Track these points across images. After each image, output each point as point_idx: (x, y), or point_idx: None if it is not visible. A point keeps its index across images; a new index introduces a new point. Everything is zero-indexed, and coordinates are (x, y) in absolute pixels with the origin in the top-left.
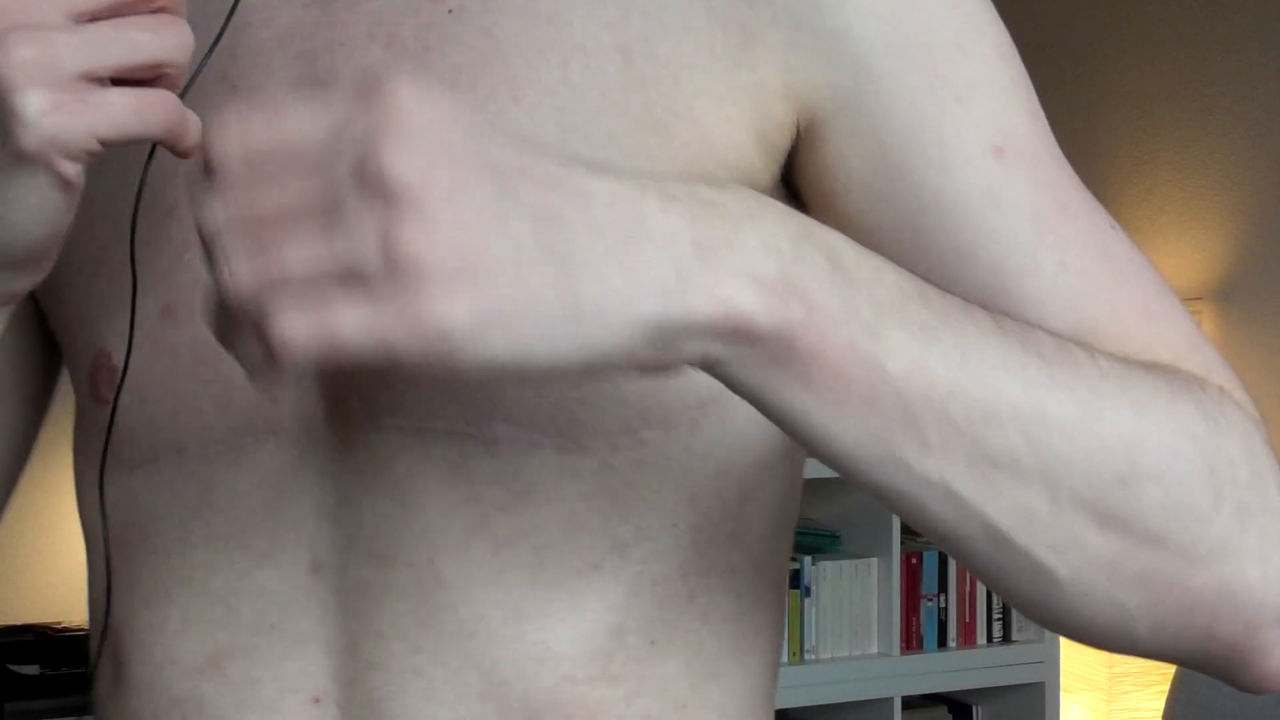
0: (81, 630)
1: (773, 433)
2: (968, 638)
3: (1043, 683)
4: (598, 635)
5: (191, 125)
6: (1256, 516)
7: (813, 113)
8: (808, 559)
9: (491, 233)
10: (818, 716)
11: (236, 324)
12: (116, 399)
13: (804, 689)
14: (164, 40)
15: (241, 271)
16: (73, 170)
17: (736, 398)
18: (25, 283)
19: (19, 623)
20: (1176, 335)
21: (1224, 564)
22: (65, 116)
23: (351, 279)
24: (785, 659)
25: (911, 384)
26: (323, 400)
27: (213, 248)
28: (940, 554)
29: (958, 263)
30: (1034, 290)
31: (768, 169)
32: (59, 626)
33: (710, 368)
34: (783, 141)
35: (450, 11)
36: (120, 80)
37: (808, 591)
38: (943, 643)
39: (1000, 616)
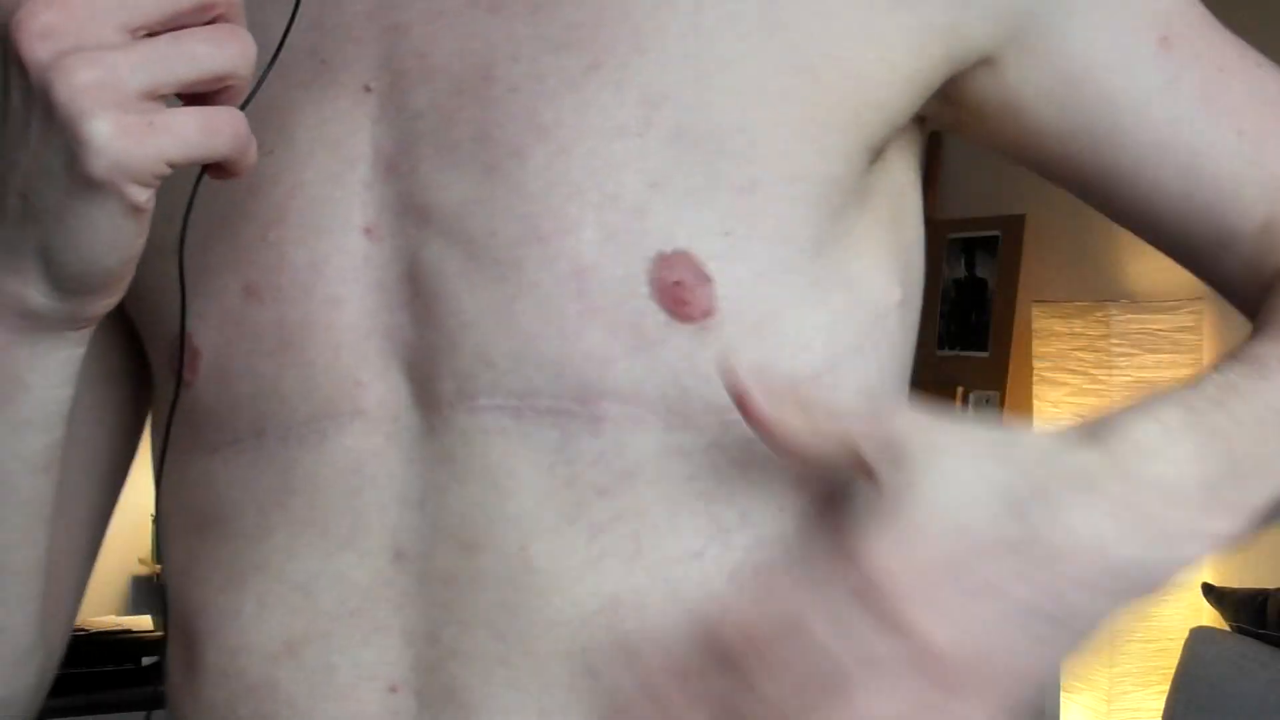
0: (82, 630)
1: (895, 392)
2: None
3: (1043, 683)
4: (697, 626)
5: (252, 144)
6: None
7: (986, 43)
8: None
9: (999, 648)
10: None
11: None
12: (178, 382)
13: None
14: (225, 52)
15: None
16: (143, 196)
17: (844, 370)
18: (100, 306)
19: None
20: None
21: None
22: (133, 141)
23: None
24: None
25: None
26: (410, 383)
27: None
28: None
29: (1157, 154)
30: (1226, 163)
31: (913, 105)
32: None
33: None
34: (938, 78)
35: None
36: (183, 96)
37: None
38: None
39: None
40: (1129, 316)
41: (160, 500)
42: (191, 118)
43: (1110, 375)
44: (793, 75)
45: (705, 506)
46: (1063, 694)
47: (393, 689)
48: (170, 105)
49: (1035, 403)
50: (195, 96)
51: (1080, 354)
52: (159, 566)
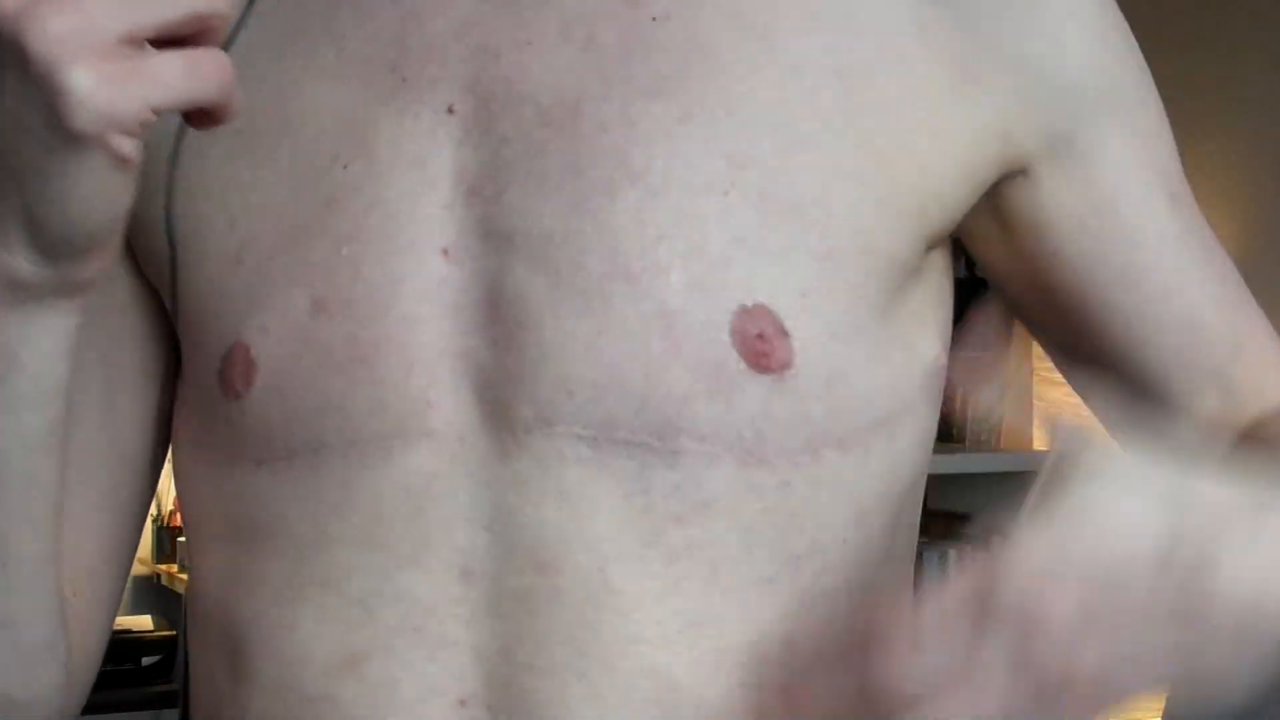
0: None
1: (924, 453)
2: None
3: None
4: (772, 644)
5: (237, 89)
6: None
7: (1029, 154)
8: None
9: (1122, 677)
10: None
11: None
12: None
13: None
14: None
15: None
16: (128, 147)
17: (901, 423)
18: (90, 270)
19: None
20: None
21: None
22: (116, 90)
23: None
24: None
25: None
26: (481, 405)
27: None
28: (940, 554)
29: (1164, 300)
30: (1215, 320)
31: (969, 202)
32: None
33: None
34: (990, 178)
35: (654, 19)
36: (157, 42)
37: None
38: None
39: None
40: None
41: (188, 508)
42: (175, 61)
43: None
44: (867, 159)
45: (777, 536)
46: None
47: (462, 702)
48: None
49: (1035, 403)
50: (173, 40)
51: None
52: (159, 566)
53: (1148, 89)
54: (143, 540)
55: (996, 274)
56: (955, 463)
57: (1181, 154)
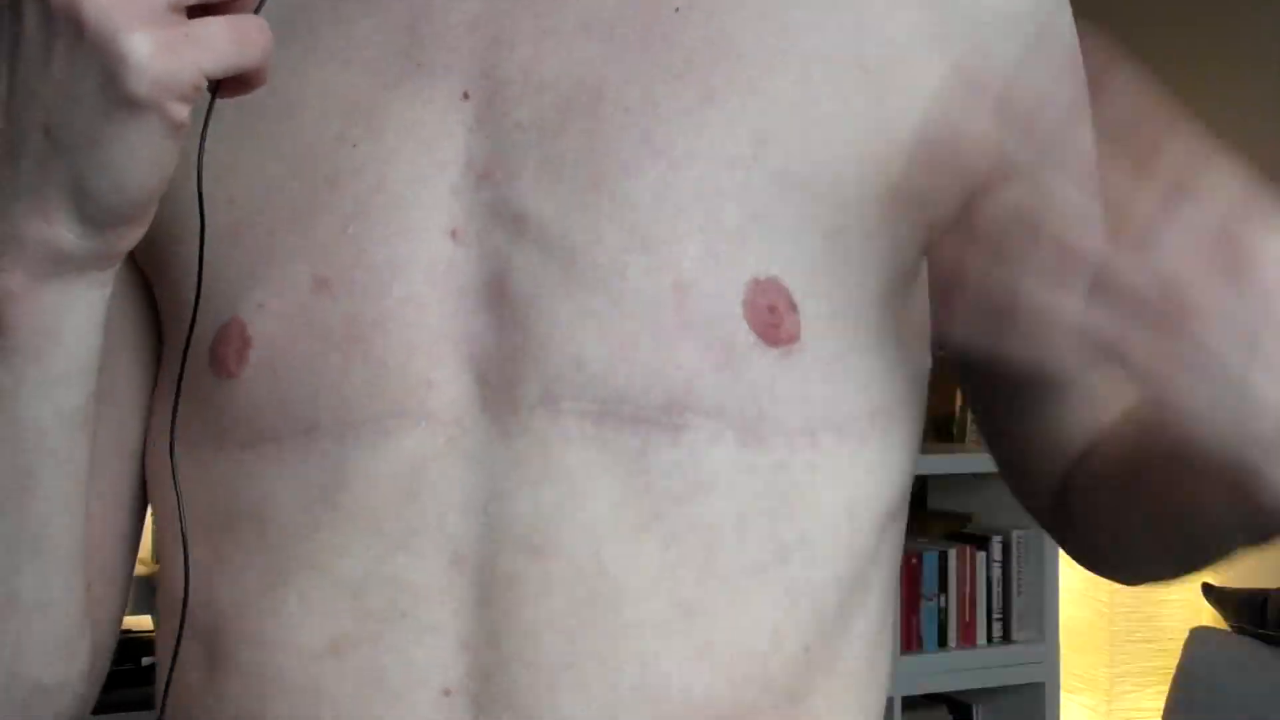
0: None
1: (912, 457)
2: (967, 638)
3: (1043, 683)
4: (759, 636)
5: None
6: None
7: (990, 177)
8: None
9: None
10: None
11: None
12: (181, 368)
13: None
14: None
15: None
16: (184, 113)
17: (895, 415)
18: (132, 239)
19: None
20: None
21: None
22: (173, 55)
23: None
24: None
25: None
26: (480, 386)
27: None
28: (940, 554)
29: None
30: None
31: (960, 204)
32: None
33: None
34: (977, 185)
35: (677, 10)
36: (196, 9)
37: None
38: (943, 643)
39: (1000, 616)
40: None
41: (164, 497)
42: (223, 27)
43: None
44: (886, 144)
45: (769, 524)
46: (1063, 694)
47: (446, 692)
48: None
49: None
50: (208, 8)
51: None
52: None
53: (1091, 175)
54: (143, 540)
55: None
56: (955, 463)
57: None
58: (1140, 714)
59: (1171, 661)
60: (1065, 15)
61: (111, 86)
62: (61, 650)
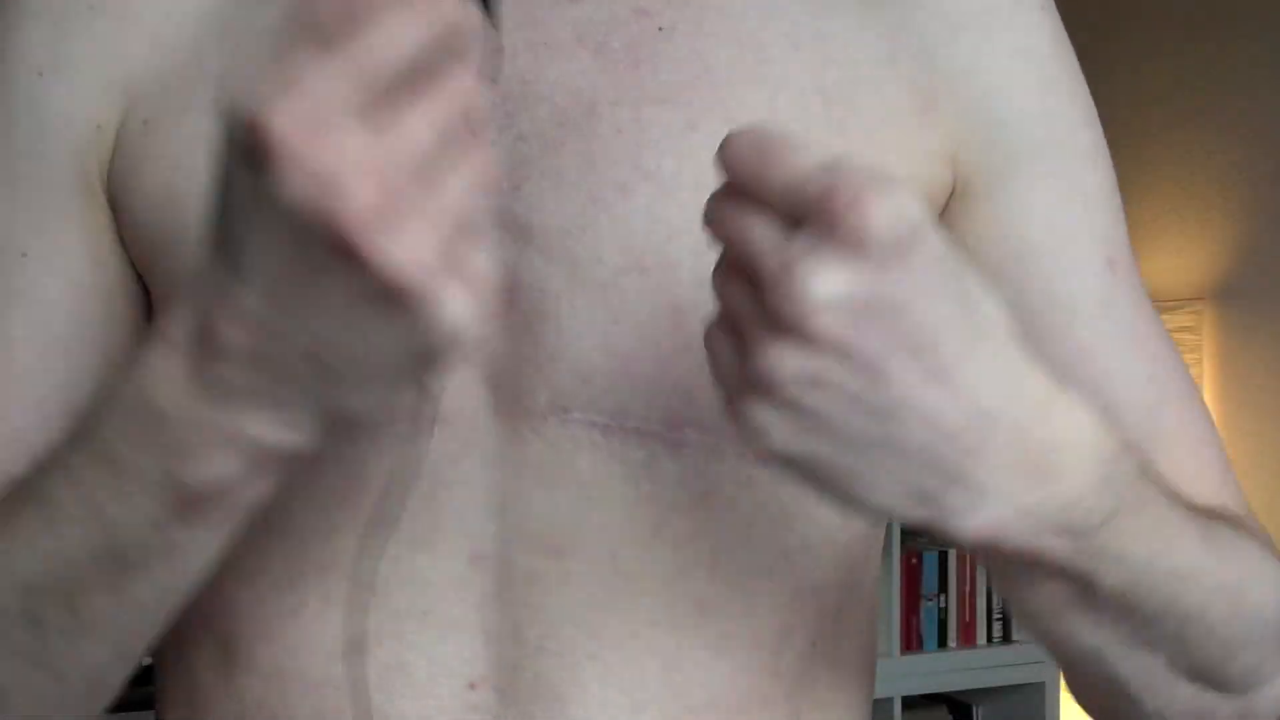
0: None
1: None
2: (968, 638)
3: (1043, 683)
4: (770, 632)
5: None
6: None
7: (965, 186)
8: None
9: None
10: None
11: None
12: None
13: None
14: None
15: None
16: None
17: None
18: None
19: None
20: (1219, 463)
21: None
22: (477, 307)
23: None
24: None
25: (1129, 596)
26: (492, 392)
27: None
28: (940, 554)
29: (1079, 362)
30: (1130, 398)
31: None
32: None
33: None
34: (941, 202)
35: (660, 30)
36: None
37: None
38: (943, 643)
39: (1000, 616)
40: None
41: None
42: (484, 257)
43: None
44: None
45: (771, 531)
46: (1063, 694)
47: (472, 685)
48: None
49: None
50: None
51: None
52: None
53: (1095, 148)
54: None
55: None
56: None
57: (1181, 155)
58: None
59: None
60: (1027, 12)
61: (421, 345)
62: (93, 703)
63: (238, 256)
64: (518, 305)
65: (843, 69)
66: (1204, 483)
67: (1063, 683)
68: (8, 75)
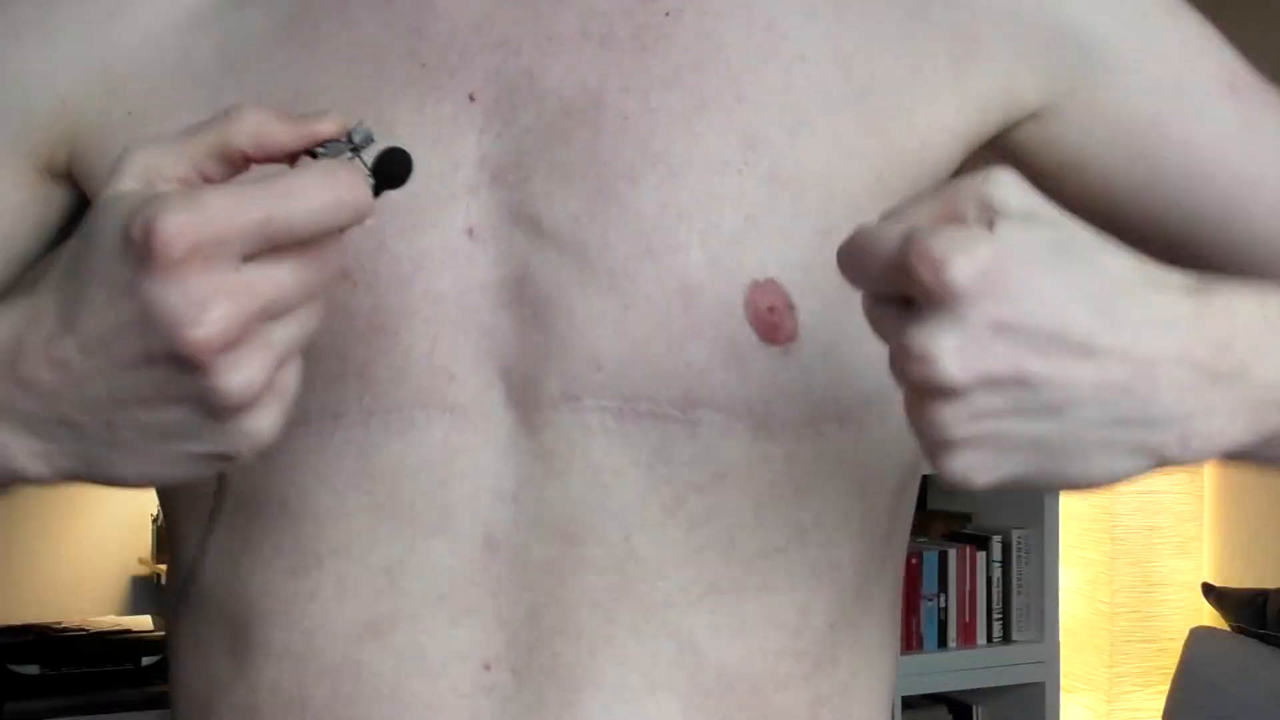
0: (82, 630)
1: (914, 445)
2: (968, 638)
3: (1043, 683)
4: (787, 611)
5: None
6: None
7: (1046, 102)
8: None
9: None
10: None
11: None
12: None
13: None
14: (326, 271)
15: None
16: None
17: (889, 403)
18: None
19: (19, 623)
20: None
21: None
22: (280, 420)
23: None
24: None
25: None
26: (505, 381)
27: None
28: (940, 554)
29: (1246, 191)
30: None
31: (960, 160)
32: (59, 626)
33: None
34: (988, 135)
35: (667, 14)
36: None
37: None
38: (943, 643)
39: (1000, 616)
40: None
41: (180, 485)
42: (294, 374)
43: None
44: (869, 137)
45: (785, 508)
46: (1063, 694)
47: (486, 667)
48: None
49: None
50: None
51: None
52: (160, 566)
53: (1169, 5)
54: (143, 540)
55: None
56: None
57: None
58: (1140, 714)
59: (1171, 661)
60: None
61: (219, 444)
62: None
63: (74, 309)
64: (527, 297)
65: (862, 33)
66: None
67: (1063, 683)
68: None
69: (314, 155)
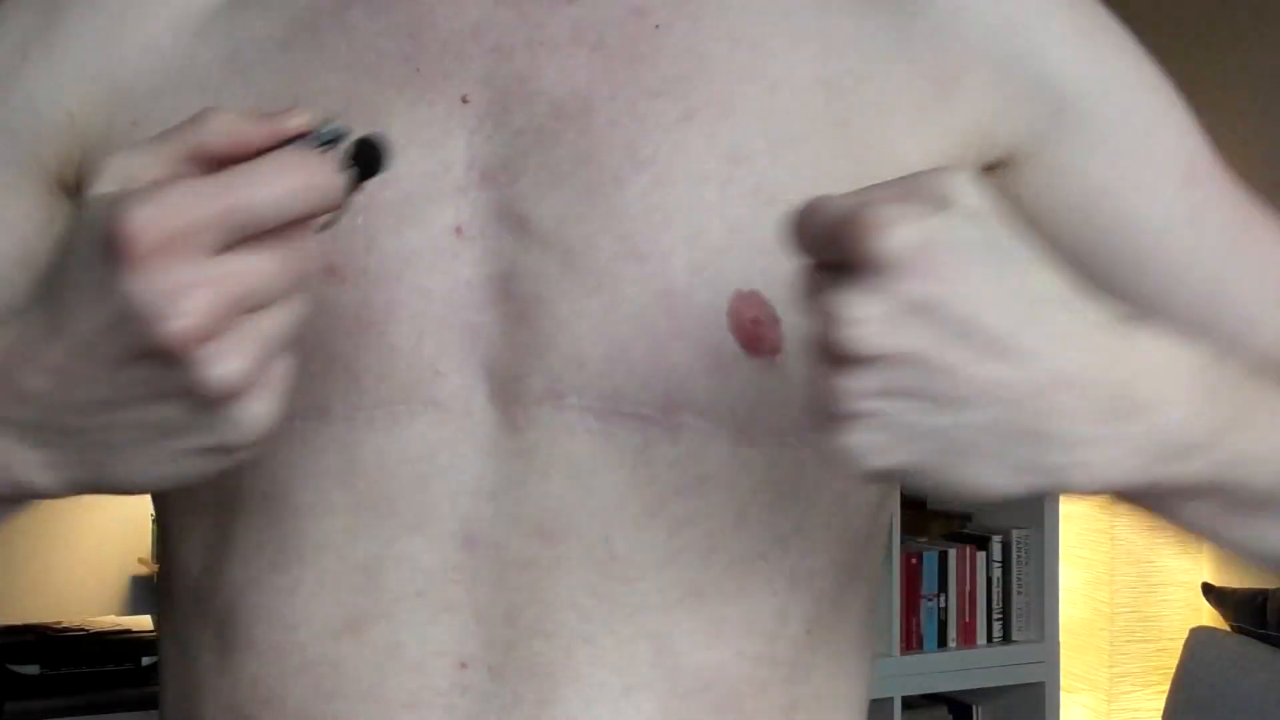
0: (82, 630)
1: None
2: (968, 638)
3: (1043, 683)
4: (765, 616)
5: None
6: None
7: (1013, 150)
8: None
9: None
10: None
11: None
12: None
13: None
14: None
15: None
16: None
17: None
18: None
19: (19, 623)
20: None
21: None
22: (275, 410)
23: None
24: None
25: (1228, 475)
26: (488, 379)
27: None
28: (940, 554)
29: (1176, 280)
30: (1240, 301)
31: None
32: (59, 626)
33: None
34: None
35: (657, 27)
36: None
37: None
38: (943, 643)
39: (1000, 616)
40: None
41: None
42: (279, 316)
43: None
44: (850, 163)
45: (766, 515)
46: (1063, 694)
47: (462, 665)
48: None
49: None
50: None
51: None
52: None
53: (1145, 74)
54: (143, 540)
55: None
56: None
57: None
58: (1140, 714)
59: (1171, 661)
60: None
61: (212, 438)
62: None
63: (59, 315)
64: (513, 295)
65: (845, 62)
66: None
67: (1063, 683)
68: None
69: None
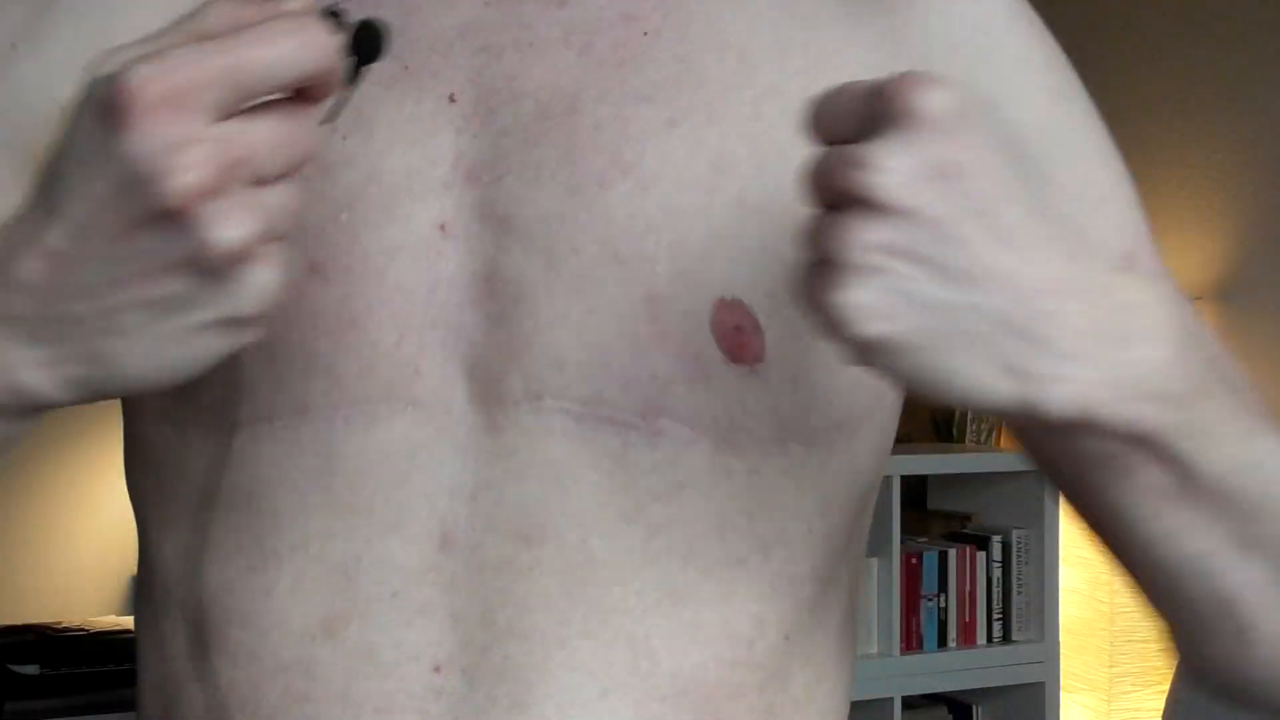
0: (82, 630)
1: (881, 461)
2: (968, 638)
3: (1043, 683)
4: (743, 622)
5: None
6: None
7: None
8: None
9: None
10: None
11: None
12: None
13: None
14: (302, 135)
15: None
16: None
17: (866, 424)
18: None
19: (19, 623)
20: None
21: None
22: (280, 276)
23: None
24: None
25: (1228, 482)
26: (468, 378)
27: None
28: (940, 554)
29: None
30: None
31: None
32: (59, 626)
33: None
34: None
35: (646, 34)
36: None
37: None
38: (943, 643)
39: (1000, 616)
40: None
41: (144, 481)
42: (280, 197)
43: None
44: None
45: (747, 522)
46: (1063, 694)
47: (436, 669)
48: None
49: None
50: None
51: None
52: None
53: (1101, 146)
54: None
55: None
56: (955, 463)
57: (1181, 156)
58: (1140, 714)
59: (1171, 661)
60: (1019, 26)
61: (226, 307)
62: None
63: (56, 193)
64: (495, 294)
65: (832, 78)
66: None
67: (1063, 683)
68: None
69: None
